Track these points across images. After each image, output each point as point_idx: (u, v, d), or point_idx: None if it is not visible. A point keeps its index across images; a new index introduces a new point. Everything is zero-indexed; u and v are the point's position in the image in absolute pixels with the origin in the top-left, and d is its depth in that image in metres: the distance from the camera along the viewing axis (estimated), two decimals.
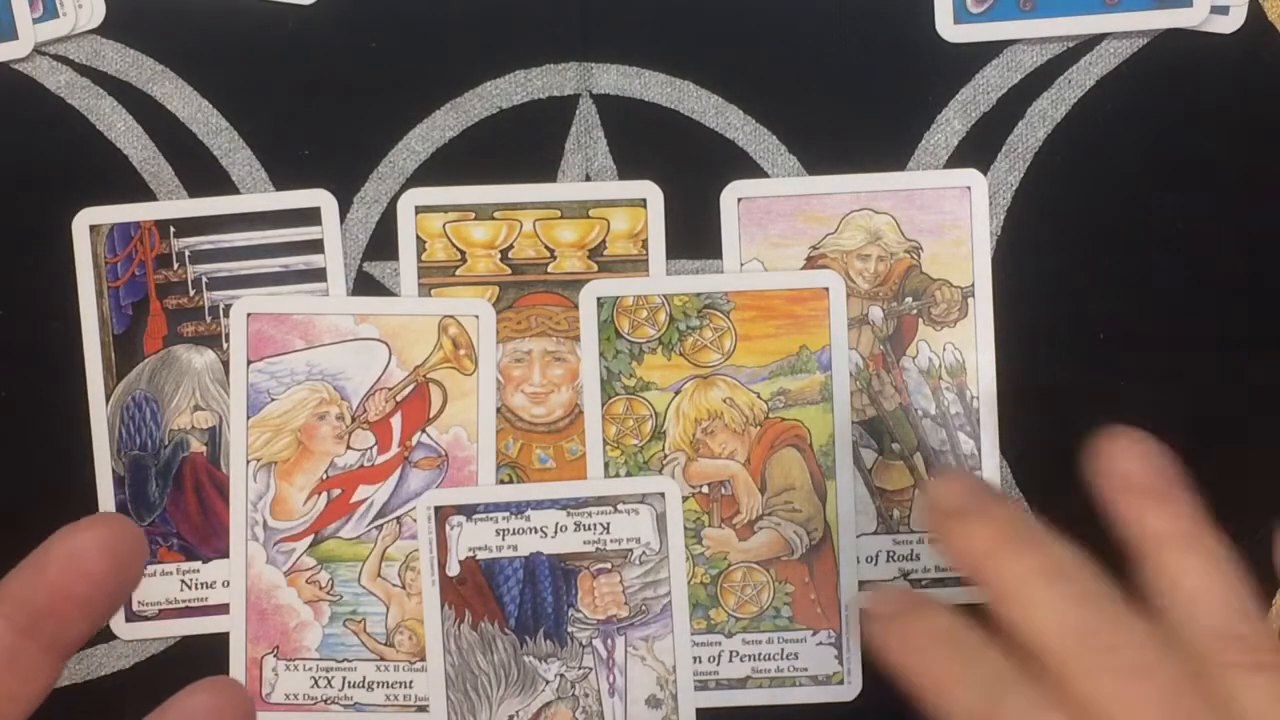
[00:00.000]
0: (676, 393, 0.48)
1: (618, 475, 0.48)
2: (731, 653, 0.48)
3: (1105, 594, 0.36)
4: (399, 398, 0.48)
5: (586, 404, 0.48)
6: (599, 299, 0.48)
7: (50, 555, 0.30)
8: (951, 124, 0.48)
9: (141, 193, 0.48)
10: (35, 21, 0.48)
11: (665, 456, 0.48)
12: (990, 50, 0.48)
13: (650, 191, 0.48)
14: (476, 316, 0.48)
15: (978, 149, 0.48)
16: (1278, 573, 0.43)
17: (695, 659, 0.48)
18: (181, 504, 0.48)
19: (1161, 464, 0.38)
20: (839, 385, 0.47)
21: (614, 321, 0.48)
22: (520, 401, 0.48)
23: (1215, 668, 0.35)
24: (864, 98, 0.48)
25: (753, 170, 0.48)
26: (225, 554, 0.48)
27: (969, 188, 0.48)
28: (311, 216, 0.48)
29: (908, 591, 0.43)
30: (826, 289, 0.47)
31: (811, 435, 0.48)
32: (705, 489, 0.48)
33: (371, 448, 0.48)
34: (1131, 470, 0.38)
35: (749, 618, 0.48)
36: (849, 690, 0.48)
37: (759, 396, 0.48)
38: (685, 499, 0.48)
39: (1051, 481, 0.48)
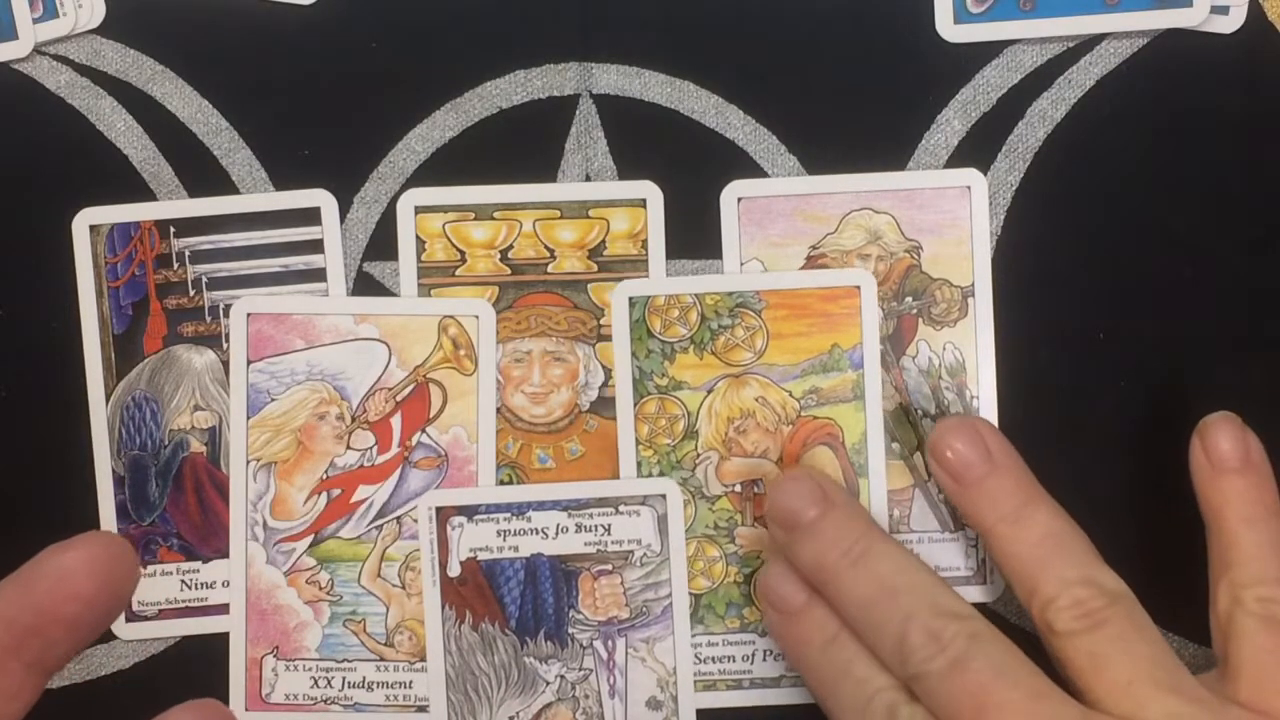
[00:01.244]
0: (709, 392, 0.48)
1: (650, 475, 0.48)
2: (765, 651, 0.48)
3: (927, 600, 0.41)
4: (399, 398, 0.48)
5: (619, 404, 0.48)
6: (630, 298, 0.48)
7: (38, 573, 0.30)
8: (951, 124, 0.48)
9: (141, 193, 0.48)
10: (35, 21, 0.48)
11: (698, 456, 0.48)
12: (990, 50, 0.48)
13: (650, 191, 0.48)
14: (476, 317, 0.48)
15: (978, 149, 0.48)
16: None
17: (728, 658, 0.48)
18: (181, 504, 0.48)
19: (1252, 448, 0.43)
20: (871, 383, 0.47)
21: (645, 321, 0.48)
22: (520, 401, 0.48)
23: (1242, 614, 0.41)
24: (864, 98, 0.48)
25: (753, 170, 0.48)
26: (225, 554, 0.48)
27: (969, 187, 0.48)
28: (311, 216, 0.48)
29: (797, 581, 0.44)
30: (858, 287, 0.47)
31: (844, 433, 0.48)
32: (738, 488, 0.48)
33: (371, 448, 0.48)
34: (1224, 448, 0.43)
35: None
36: None
37: (791, 395, 0.48)
38: (718, 498, 0.48)
39: (1051, 481, 0.48)
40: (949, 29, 0.48)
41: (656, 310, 0.48)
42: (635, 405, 0.48)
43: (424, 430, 0.48)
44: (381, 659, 0.48)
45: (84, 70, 0.49)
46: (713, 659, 0.48)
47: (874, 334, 0.47)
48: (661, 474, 0.48)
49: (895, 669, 0.41)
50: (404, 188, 0.48)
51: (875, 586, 0.41)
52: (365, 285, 0.48)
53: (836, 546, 0.42)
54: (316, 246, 0.48)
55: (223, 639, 0.48)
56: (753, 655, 0.48)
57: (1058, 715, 0.38)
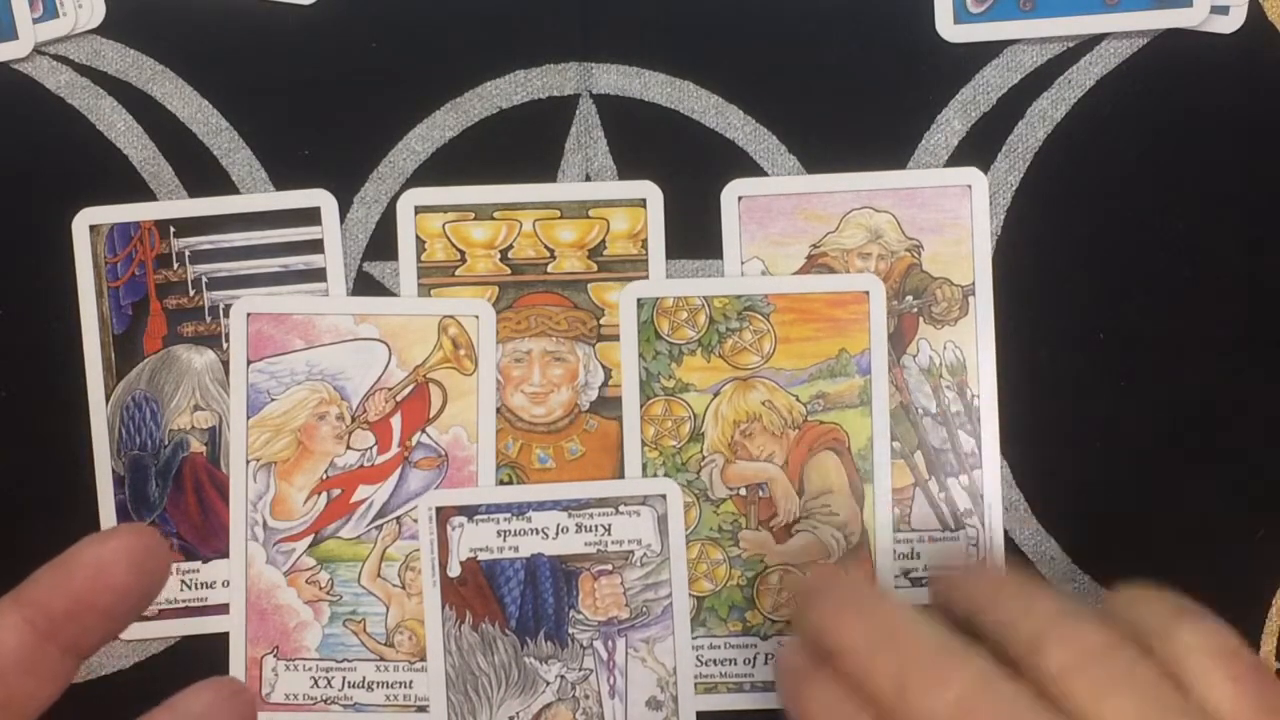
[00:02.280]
0: (715, 395, 0.48)
1: (655, 476, 0.48)
2: (768, 655, 0.48)
3: (929, 643, 0.40)
4: (399, 398, 0.48)
5: (625, 405, 0.48)
6: (639, 300, 0.48)
7: (76, 562, 0.31)
8: (951, 124, 0.48)
9: (141, 193, 0.48)
10: (35, 21, 0.48)
11: (703, 458, 0.48)
12: (990, 50, 0.48)
13: (650, 191, 0.48)
14: (476, 316, 0.48)
15: (978, 149, 0.48)
16: None
17: (730, 660, 0.48)
18: (181, 504, 0.48)
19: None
20: (878, 389, 0.47)
21: (654, 322, 0.48)
22: (520, 401, 0.48)
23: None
24: (864, 98, 0.48)
25: (753, 170, 0.48)
26: (225, 554, 0.48)
27: (969, 186, 0.48)
28: (311, 216, 0.48)
29: (810, 652, 0.44)
30: (867, 293, 0.47)
31: (850, 439, 0.48)
32: (743, 491, 0.48)
33: (371, 448, 0.48)
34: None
35: (785, 620, 0.48)
36: None
37: (798, 399, 0.48)
38: (723, 501, 0.48)
39: (1051, 481, 0.48)
40: (949, 29, 0.48)
41: (665, 312, 0.48)
42: (642, 406, 0.48)
43: (424, 430, 0.48)
44: (381, 659, 0.48)
45: (84, 70, 0.49)
46: (714, 661, 0.48)
47: (882, 340, 0.47)
48: (666, 475, 0.48)
49: (899, 715, 0.39)
50: (404, 188, 0.48)
51: (878, 632, 0.41)
52: (365, 285, 0.48)
53: (841, 604, 0.42)
54: (316, 246, 0.48)
55: (223, 639, 0.48)
56: (754, 659, 0.48)
57: None
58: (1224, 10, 0.48)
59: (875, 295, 0.47)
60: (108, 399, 0.48)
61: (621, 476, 0.48)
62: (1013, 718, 0.38)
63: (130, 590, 0.31)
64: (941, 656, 0.39)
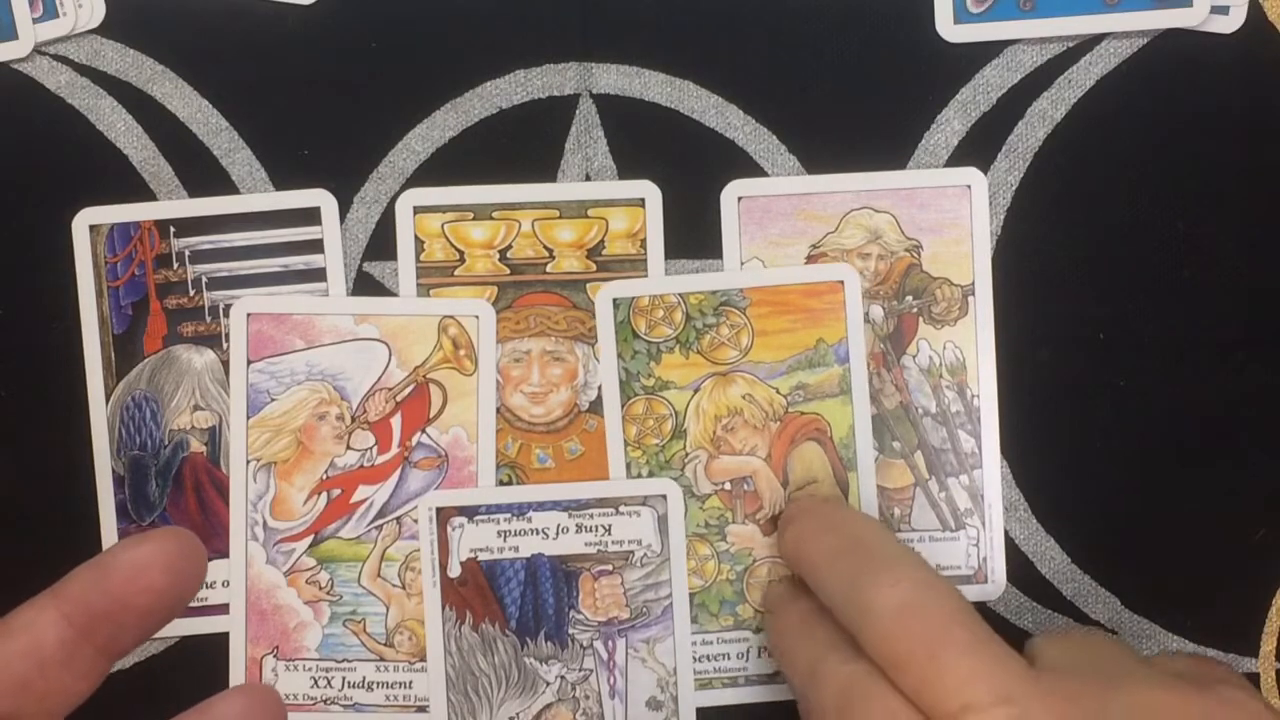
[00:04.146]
0: (695, 391, 0.48)
1: (640, 475, 0.48)
2: (760, 648, 0.48)
3: (886, 549, 0.40)
4: (399, 398, 0.48)
5: (606, 405, 0.48)
6: (615, 300, 0.48)
7: (115, 562, 0.31)
8: (951, 124, 0.48)
9: (141, 193, 0.48)
10: (35, 21, 0.48)
11: (686, 455, 0.48)
12: (990, 50, 0.48)
13: (649, 191, 0.48)
14: (476, 317, 0.48)
15: (978, 149, 0.48)
16: None
17: (724, 655, 0.48)
18: (181, 504, 0.48)
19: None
20: (857, 377, 0.47)
21: (630, 322, 0.48)
22: (519, 401, 0.48)
23: None
24: (864, 98, 0.48)
25: (753, 170, 0.48)
26: (225, 554, 0.48)
27: (969, 186, 0.48)
28: (311, 216, 0.48)
29: (790, 586, 0.45)
30: (841, 282, 0.47)
31: (832, 428, 0.48)
32: (728, 486, 0.48)
33: (371, 448, 0.48)
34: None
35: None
36: None
37: (778, 391, 0.48)
38: (708, 496, 0.48)
39: (1051, 480, 0.48)
40: (949, 29, 0.48)
41: (641, 311, 0.48)
42: (623, 406, 0.48)
43: (424, 430, 0.48)
44: (381, 659, 0.48)
45: (84, 70, 0.49)
46: (708, 657, 0.48)
47: (859, 328, 0.47)
48: (652, 474, 0.48)
49: (851, 616, 0.39)
50: (404, 188, 0.48)
51: (842, 540, 0.42)
52: (365, 285, 0.48)
53: (815, 520, 0.43)
54: (316, 246, 0.48)
55: (223, 639, 0.48)
56: (748, 652, 0.48)
57: (1004, 659, 0.37)
58: (1224, 10, 0.48)
59: (850, 284, 0.47)
60: (108, 399, 0.48)
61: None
62: (954, 616, 0.38)
63: (166, 593, 0.31)
64: (894, 561, 0.40)
